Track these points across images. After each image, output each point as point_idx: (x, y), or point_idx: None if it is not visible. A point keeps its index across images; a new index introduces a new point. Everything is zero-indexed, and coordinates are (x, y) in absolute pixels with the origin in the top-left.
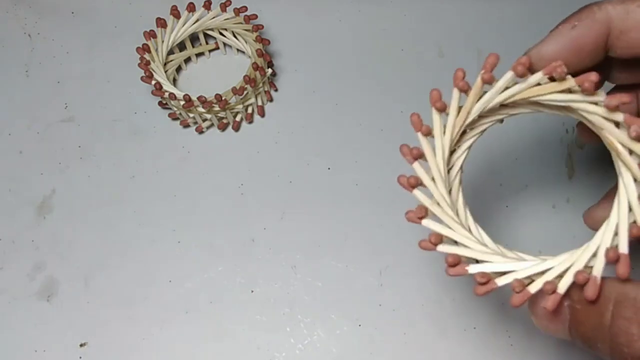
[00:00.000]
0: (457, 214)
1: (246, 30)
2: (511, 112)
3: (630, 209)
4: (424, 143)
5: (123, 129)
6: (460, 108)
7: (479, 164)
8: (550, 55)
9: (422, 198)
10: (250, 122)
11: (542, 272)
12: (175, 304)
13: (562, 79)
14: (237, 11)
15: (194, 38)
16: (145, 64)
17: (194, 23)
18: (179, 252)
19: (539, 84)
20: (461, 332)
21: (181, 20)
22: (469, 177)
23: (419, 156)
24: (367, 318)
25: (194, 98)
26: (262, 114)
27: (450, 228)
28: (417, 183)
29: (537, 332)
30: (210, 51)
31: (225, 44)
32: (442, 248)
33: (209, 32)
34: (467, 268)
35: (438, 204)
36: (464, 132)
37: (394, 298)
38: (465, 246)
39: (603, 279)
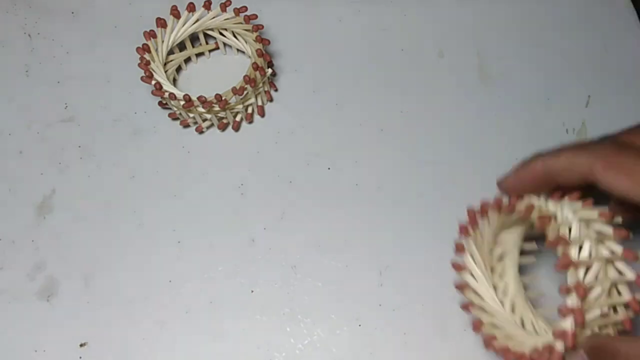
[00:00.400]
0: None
1: (246, 30)
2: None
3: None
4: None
5: (123, 129)
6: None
7: (479, 164)
8: (507, 186)
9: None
10: (250, 122)
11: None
12: (175, 304)
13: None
14: (237, 11)
15: (194, 38)
16: (145, 64)
17: (194, 23)
18: (179, 252)
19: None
20: (461, 332)
21: (181, 20)
22: (469, 179)
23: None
24: (367, 318)
25: (194, 98)
26: (262, 114)
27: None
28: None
29: None
30: (210, 51)
31: (225, 44)
32: (485, 329)
33: (209, 32)
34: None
35: (482, 298)
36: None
37: (394, 298)
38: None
39: (606, 337)
